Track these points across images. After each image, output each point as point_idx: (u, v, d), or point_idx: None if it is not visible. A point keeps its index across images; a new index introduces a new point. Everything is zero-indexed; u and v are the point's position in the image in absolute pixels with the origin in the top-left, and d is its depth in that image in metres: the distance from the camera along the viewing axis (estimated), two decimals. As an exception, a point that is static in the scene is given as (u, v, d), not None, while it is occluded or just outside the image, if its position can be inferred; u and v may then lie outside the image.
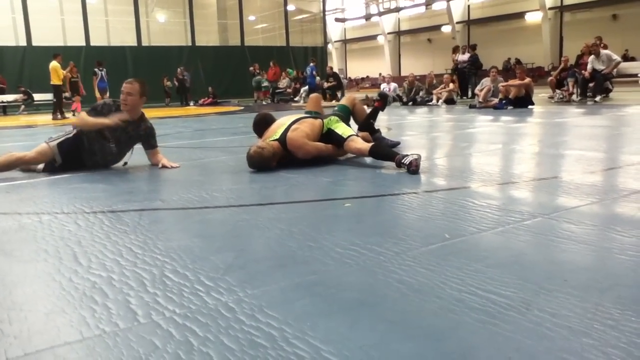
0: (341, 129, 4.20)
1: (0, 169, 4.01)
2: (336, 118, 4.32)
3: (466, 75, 14.87)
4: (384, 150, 4.06)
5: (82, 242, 2.27)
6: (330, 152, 4.20)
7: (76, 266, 1.96)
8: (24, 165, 4.15)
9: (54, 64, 13.48)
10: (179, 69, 20.51)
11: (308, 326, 1.40)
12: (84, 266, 1.96)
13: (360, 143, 4.10)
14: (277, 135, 4.08)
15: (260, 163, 3.93)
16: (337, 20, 35.86)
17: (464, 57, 15.19)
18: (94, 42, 21.11)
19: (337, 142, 4.16)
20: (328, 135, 4.20)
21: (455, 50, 15.80)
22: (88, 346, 1.34)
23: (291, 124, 4.14)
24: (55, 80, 13.52)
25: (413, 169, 3.59)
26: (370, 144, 4.05)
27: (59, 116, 13.54)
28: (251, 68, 20.91)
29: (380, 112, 5.03)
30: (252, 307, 1.53)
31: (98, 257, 2.06)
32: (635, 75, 14.15)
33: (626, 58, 18.84)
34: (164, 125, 9.44)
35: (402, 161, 3.68)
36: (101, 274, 1.87)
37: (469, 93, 14.95)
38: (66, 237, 2.36)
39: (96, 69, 16.06)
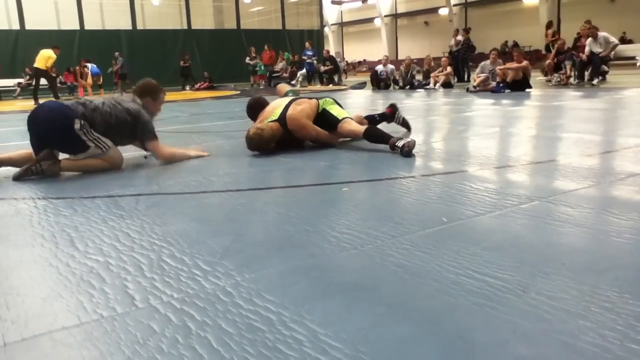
0: (336, 110, 4.19)
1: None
2: (331, 100, 4.30)
3: (459, 59, 14.76)
4: (379, 132, 4.02)
5: (78, 227, 2.26)
6: (326, 138, 4.18)
7: (73, 251, 1.96)
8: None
9: (47, 52, 13.26)
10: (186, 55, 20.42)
11: (305, 309, 1.40)
12: (80, 251, 1.95)
13: (354, 125, 4.08)
14: (276, 116, 4.05)
15: (260, 144, 3.91)
16: (333, 2, 35.50)
17: (457, 40, 15.08)
18: (88, 26, 20.87)
19: (331, 124, 4.12)
20: (322, 116, 4.15)
21: (456, 33, 15.68)
22: (86, 331, 1.34)
23: (289, 103, 4.11)
24: (41, 65, 13.29)
25: (406, 150, 3.61)
26: (364, 127, 4.04)
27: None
28: (248, 59, 20.75)
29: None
30: (249, 291, 1.53)
31: (95, 241, 2.06)
32: (633, 58, 14.10)
33: (624, 40, 18.77)
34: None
35: (396, 144, 3.68)
36: (98, 258, 1.87)
37: (465, 77, 14.88)
38: (62, 222, 2.35)
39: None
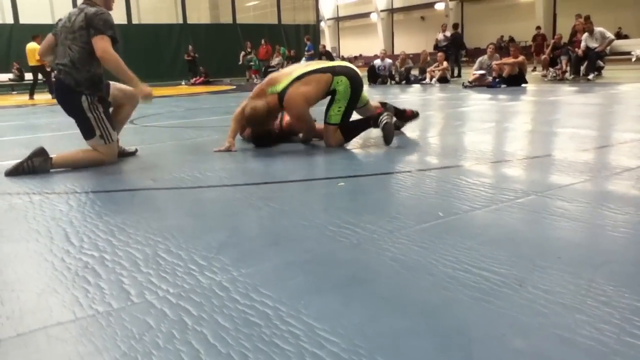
0: (336, 108, 3.91)
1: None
2: (345, 88, 3.86)
3: (447, 55, 14.71)
4: (352, 124, 3.98)
5: (73, 222, 2.25)
6: (317, 133, 4.16)
7: (68, 246, 1.95)
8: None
9: (31, 45, 13.22)
10: (190, 47, 20.31)
11: (302, 304, 1.40)
12: (76, 246, 1.94)
13: (332, 137, 3.93)
14: (280, 87, 3.91)
15: (256, 120, 3.88)
16: (329, -3, 35.50)
17: (444, 35, 15.03)
18: (82, 20, 20.74)
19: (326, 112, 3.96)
20: (331, 94, 3.90)
21: (444, 29, 15.62)
22: (81, 326, 1.34)
23: (297, 78, 3.89)
24: (32, 62, 13.29)
25: (386, 130, 3.74)
26: (341, 140, 3.95)
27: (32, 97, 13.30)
28: (243, 53, 20.67)
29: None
30: (246, 285, 1.53)
31: (90, 237, 2.05)
32: (629, 53, 14.13)
33: (619, 35, 18.80)
34: (155, 105, 9.35)
35: (378, 123, 3.79)
36: (94, 253, 1.86)
37: (456, 72, 14.87)
38: (57, 217, 2.34)
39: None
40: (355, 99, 3.94)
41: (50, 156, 3.41)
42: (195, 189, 2.83)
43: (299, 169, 3.36)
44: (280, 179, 3.10)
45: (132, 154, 3.91)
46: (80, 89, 3.48)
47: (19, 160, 3.35)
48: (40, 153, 3.38)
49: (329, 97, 3.91)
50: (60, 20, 3.69)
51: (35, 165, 3.35)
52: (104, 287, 1.57)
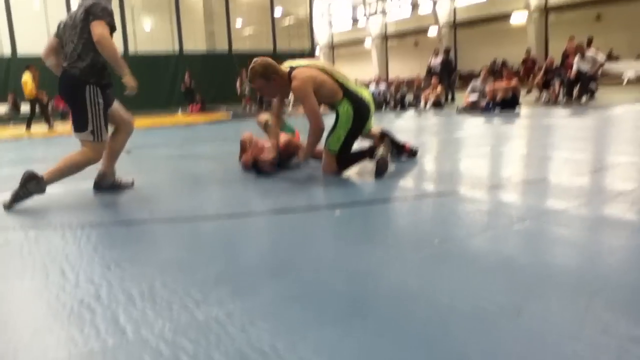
0: (336, 135, 3.86)
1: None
2: (346, 116, 3.84)
3: (440, 79, 14.88)
4: (349, 156, 3.94)
5: (69, 257, 2.25)
6: (315, 154, 4.20)
7: (63, 282, 1.94)
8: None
9: (25, 78, 13.30)
10: (186, 76, 20.45)
11: (299, 338, 1.39)
12: (71, 282, 1.93)
13: (328, 163, 3.93)
14: (295, 64, 3.93)
15: (263, 72, 3.81)
16: (324, 25, 35.95)
17: (436, 60, 15.25)
18: (80, 51, 20.94)
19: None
20: (336, 112, 3.88)
21: (436, 54, 15.83)
22: (76, 365, 1.32)
23: (316, 67, 3.90)
24: (28, 94, 13.35)
25: (379, 166, 3.70)
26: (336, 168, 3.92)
27: (28, 128, 13.31)
28: (239, 81, 20.84)
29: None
30: (242, 319, 1.52)
31: (86, 271, 2.04)
32: (620, 76, 14.29)
33: (611, 58, 19.03)
34: (152, 134, 9.40)
35: (374, 156, 3.77)
36: (89, 289, 1.85)
37: (450, 97, 15.03)
38: (53, 252, 2.33)
39: None
40: (358, 128, 3.94)
41: (41, 175, 3.40)
42: (192, 220, 2.83)
43: (295, 198, 3.37)
44: (277, 208, 3.10)
45: (129, 186, 3.90)
46: (85, 77, 3.46)
47: (13, 191, 3.35)
48: (31, 177, 3.37)
49: (333, 117, 3.92)
50: (61, 22, 3.74)
51: (31, 190, 3.33)
52: (100, 323, 1.56)
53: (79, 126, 3.55)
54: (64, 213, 3.15)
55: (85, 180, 3.95)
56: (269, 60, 3.89)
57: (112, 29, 3.50)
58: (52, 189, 3.85)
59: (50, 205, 3.41)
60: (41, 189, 3.39)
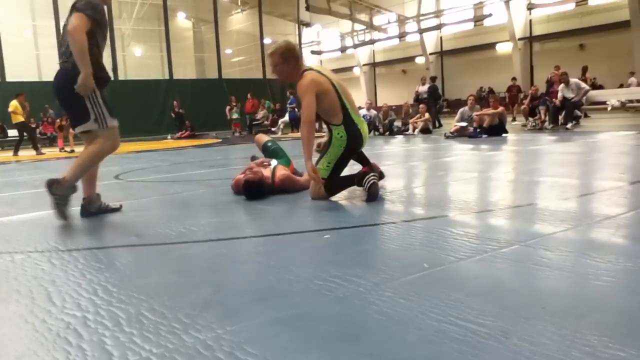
0: (326, 162, 3.91)
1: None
2: (339, 143, 3.89)
3: (427, 106, 15.09)
4: (337, 182, 3.96)
5: (56, 281, 2.22)
6: (303, 186, 4.25)
7: (50, 306, 1.91)
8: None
9: (14, 103, 13.30)
10: (175, 102, 20.52)
11: (288, 362, 1.38)
12: (57, 306, 1.91)
13: (315, 188, 3.92)
14: (307, 66, 4.00)
15: (290, 52, 3.92)
16: (313, 52, 36.36)
17: (423, 88, 15.49)
18: (69, 77, 20.98)
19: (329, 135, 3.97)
20: (347, 120, 3.90)
21: (423, 82, 16.08)
22: (61, 390, 1.30)
23: (326, 76, 3.96)
24: (16, 119, 13.33)
25: (372, 193, 3.70)
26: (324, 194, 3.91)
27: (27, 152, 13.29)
28: (228, 107, 20.97)
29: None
30: (230, 344, 1.51)
31: (72, 296, 2.02)
32: (604, 103, 14.57)
33: (594, 86, 19.40)
34: (141, 159, 9.38)
35: (363, 182, 3.75)
36: (76, 313, 1.83)
37: (436, 124, 15.21)
38: (39, 277, 2.30)
39: None
40: (347, 157, 3.98)
41: (60, 177, 3.40)
42: (180, 245, 2.82)
43: (284, 221, 3.37)
44: (266, 232, 3.09)
45: (117, 209, 3.88)
46: (77, 70, 3.38)
47: (51, 206, 3.37)
48: (49, 183, 3.36)
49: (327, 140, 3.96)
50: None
51: (58, 192, 3.34)
52: (86, 348, 1.54)
53: (81, 117, 3.48)
54: (51, 237, 3.12)
55: (72, 204, 3.92)
56: (296, 47, 3.98)
57: (97, 22, 3.45)
58: (39, 213, 3.83)
59: (36, 228, 3.38)
60: (68, 188, 3.36)
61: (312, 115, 3.81)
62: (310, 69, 3.97)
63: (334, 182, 3.96)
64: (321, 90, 3.83)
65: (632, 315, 1.58)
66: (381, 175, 4.39)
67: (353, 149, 3.98)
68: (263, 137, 5.33)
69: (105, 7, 3.66)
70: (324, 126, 4.11)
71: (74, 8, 3.42)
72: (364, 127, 4.04)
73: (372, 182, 3.76)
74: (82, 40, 3.35)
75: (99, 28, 3.49)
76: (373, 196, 3.74)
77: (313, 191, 3.94)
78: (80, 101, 3.44)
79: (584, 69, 13.43)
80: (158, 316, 1.75)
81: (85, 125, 3.50)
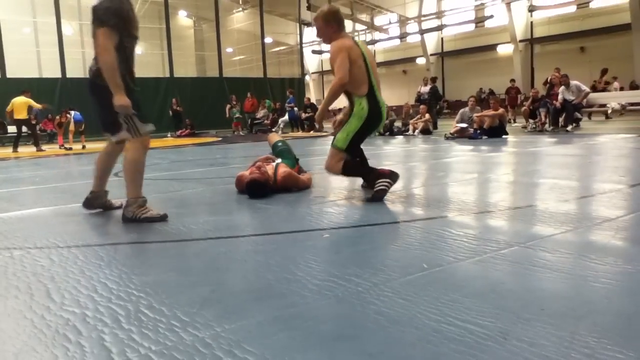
0: (345, 132, 3.91)
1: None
2: (360, 114, 3.88)
3: (428, 106, 15.10)
4: (356, 165, 4.02)
5: (55, 278, 2.22)
6: (304, 184, 4.27)
7: (49, 303, 1.91)
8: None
9: (21, 99, 13.27)
10: (174, 100, 20.48)
11: (286, 361, 1.38)
12: (57, 302, 1.91)
13: (333, 160, 3.96)
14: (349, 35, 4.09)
15: (320, 12, 4.05)
16: (314, 52, 36.32)
17: (425, 88, 15.49)
18: (70, 74, 21.00)
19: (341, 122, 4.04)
20: (371, 93, 3.91)
21: (425, 83, 16.11)
22: (59, 386, 1.30)
23: (358, 45, 4.00)
24: (18, 115, 13.30)
25: (377, 196, 3.75)
26: (339, 170, 3.95)
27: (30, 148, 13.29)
28: (229, 106, 20.95)
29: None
30: (229, 342, 1.51)
31: (72, 292, 2.02)
32: (604, 106, 14.55)
33: (595, 89, 19.42)
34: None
35: (375, 185, 3.79)
36: (75, 310, 1.83)
37: (436, 125, 15.21)
38: (39, 273, 2.30)
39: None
40: (366, 131, 3.98)
41: (126, 201, 3.43)
42: (179, 243, 2.82)
43: (284, 220, 3.37)
44: (265, 231, 3.10)
45: (119, 207, 3.87)
46: (103, 80, 3.28)
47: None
48: (125, 211, 3.41)
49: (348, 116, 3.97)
50: None
51: (139, 213, 3.37)
52: (85, 345, 1.54)
53: (114, 127, 3.46)
54: (50, 233, 3.12)
55: (72, 201, 3.93)
56: (338, 11, 4.08)
57: (124, 26, 3.28)
58: (38, 209, 3.82)
59: (36, 225, 3.38)
60: (138, 203, 3.40)
61: (346, 75, 3.78)
62: (348, 36, 4.05)
63: (353, 164, 3.97)
64: (351, 56, 3.85)
65: (630, 318, 1.59)
66: (392, 182, 4.17)
67: (371, 124, 3.96)
68: (274, 137, 5.35)
69: None
70: (342, 106, 4.10)
71: (96, 19, 3.25)
72: (384, 108, 4.05)
73: (382, 187, 3.78)
74: (111, 61, 3.24)
75: (127, 29, 3.33)
76: (375, 199, 3.76)
77: (330, 164, 3.96)
78: (113, 112, 3.35)
79: (604, 71, 13.35)
80: (157, 313, 1.76)
81: (120, 135, 3.47)
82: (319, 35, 4.12)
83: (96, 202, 3.74)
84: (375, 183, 3.81)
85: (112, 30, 3.22)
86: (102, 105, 3.41)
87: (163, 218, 3.38)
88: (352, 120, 3.91)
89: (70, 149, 13.47)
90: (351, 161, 3.96)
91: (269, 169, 4.30)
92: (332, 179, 4.78)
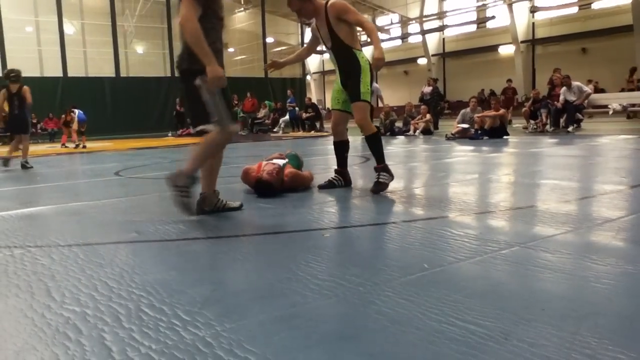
0: (364, 84, 4.14)
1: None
2: (365, 64, 4.18)
3: (430, 106, 15.11)
4: (380, 147, 4.20)
5: (55, 277, 2.22)
6: (306, 180, 4.33)
7: (49, 301, 1.91)
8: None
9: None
10: (178, 100, 20.48)
11: (287, 360, 1.38)
12: (57, 301, 1.91)
13: (366, 114, 4.19)
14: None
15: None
16: (315, 52, 36.42)
17: (428, 89, 15.53)
18: (71, 73, 21.03)
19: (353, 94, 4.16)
20: (354, 66, 4.14)
21: (428, 83, 16.17)
22: (60, 385, 1.30)
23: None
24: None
25: (374, 188, 4.04)
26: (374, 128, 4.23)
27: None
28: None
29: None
30: (230, 341, 1.51)
31: (72, 291, 2.02)
32: (606, 107, 14.54)
33: (596, 90, 19.40)
34: (142, 156, 9.38)
35: (380, 175, 4.07)
36: (75, 309, 1.83)
37: (437, 125, 15.23)
38: (39, 272, 2.30)
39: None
40: (371, 82, 4.22)
41: (181, 169, 3.21)
42: (180, 242, 2.82)
43: (285, 220, 3.36)
44: (266, 230, 3.09)
45: (237, 209, 3.59)
46: (195, 66, 3.12)
47: (173, 201, 3.22)
48: (172, 176, 3.19)
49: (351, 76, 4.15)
50: None
51: (181, 184, 3.16)
52: (85, 343, 1.54)
53: (202, 119, 3.25)
54: (51, 232, 3.12)
55: (73, 200, 3.93)
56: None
57: (207, 7, 3.14)
58: (39, 208, 3.83)
59: (36, 224, 3.38)
60: (188, 179, 3.19)
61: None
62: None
63: (380, 138, 4.25)
64: (356, 16, 4.08)
65: (632, 318, 1.58)
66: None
67: (371, 73, 4.23)
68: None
69: None
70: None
71: None
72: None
73: (383, 181, 4.09)
74: (195, 31, 3.05)
75: (212, 7, 3.19)
76: (379, 190, 4.05)
77: (364, 117, 4.14)
78: (201, 102, 3.19)
79: (633, 70, 13.27)
80: (157, 312, 1.75)
81: (207, 128, 3.25)
82: (301, 15, 4.24)
83: (206, 204, 3.50)
84: (380, 173, 4.09)
85: (196, 2, 3.08)
86: (194, 95, 3.21)
87: (184, 206, 3.22)
88: (362, 74, 4.12)
89: (77, 146, 13.47)
90: (378, 134, 4.23)
91: (268, 167, 4.29)
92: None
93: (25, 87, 8.21)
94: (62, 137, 15.00)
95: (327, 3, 4.07)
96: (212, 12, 3.19)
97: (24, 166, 7.88)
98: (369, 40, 4.09)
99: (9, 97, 8.05)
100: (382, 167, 4.13)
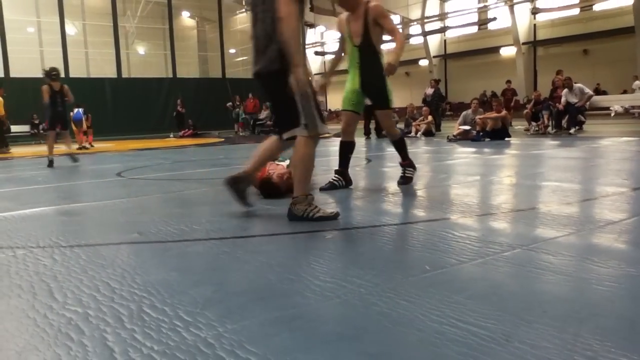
0: (389, 88, 4.46)
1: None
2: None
3: (432, 108, 15.11)
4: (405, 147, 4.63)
5: (57, 277, 2.22)
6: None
7: (51, 302, 1.92)
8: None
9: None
10: (178, 100, 20.50)
11: (288, 361, 1.38)
12: (59, 302, 1.91)
13: (394, 122, 4.82)
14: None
15: None
16: (316, 53, 36.34)
17: (430, 91, 15.56)
18: (73, 74, 21.07)
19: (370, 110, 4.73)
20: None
21: (431, 84, 16.21)
22: (62, 385, 1.30)
23: None
24: None
25: (401, 181, 4.51)
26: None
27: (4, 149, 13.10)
28: (229, 104, 20.94)
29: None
30: (231, 342, 1.51)
31: (74, 292, 2.02)
32: (608, 108, 14.56)
33: (597, 92, 19.40)
34: (143, 157, 9.39)
35: (405, 170, 4.55)
36: (77, 309, 1.83)
37: (439, 126, 15.25)
38: (41, 272, 2.31)
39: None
40: None
41: (295, 197, 3.14)
42: (181, 243, 2.82)
43: (286, 221, 3.36)
44: (268, 232, 3.09)
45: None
46: (283, 66, 2.96)
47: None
48: (292, 204, 3.17)
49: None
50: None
51: (305, 209, 3.13)
52: (87, 344, 1.54)
53: (290, 122, 3.09)
54: (53, 232, 3.12)
55: (75, 201, 3.93)
56: None
57: (303, 5, 3.00)
58: (41, 208, 3.83)
59: (38, 224, 3.39)
60: (307, 201, 3.15)
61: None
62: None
63: (404, 139, 4.74)
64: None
65: (634, 321, 1.58)
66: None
67: None
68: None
69: None
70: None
71: None
72: None
73: (409, 176, 4.57)
74: (295, 27, 2.88)
75: (302, 7, 3.02)
76: (406, 183, 4.52)
77: (391, 124, 4.64)
78: (293, 104, 3.03)
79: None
80: (159, 313, 1.76)
81: (294, 132, 3.11)
82: (343, 5, 4.42)
83: (240, 184, 3.39)
84: (406, 169, 4.56)
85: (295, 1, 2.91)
86: (282, 97, 3.07)
87: (336, 216, 3.16)
88: (386, 80, 4.36)
89: (87, 146, 13.47)
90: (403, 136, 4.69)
91: (279, 169, 4.28)
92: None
93: (66, 86, 8.51)
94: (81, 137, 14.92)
95: (368, 2, 4.25)
96: (301, 11, 3.02)
97: (76, 159, 8.48)
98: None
99: (52, 95, 8.29)
100: (407, 163, 4.60)
